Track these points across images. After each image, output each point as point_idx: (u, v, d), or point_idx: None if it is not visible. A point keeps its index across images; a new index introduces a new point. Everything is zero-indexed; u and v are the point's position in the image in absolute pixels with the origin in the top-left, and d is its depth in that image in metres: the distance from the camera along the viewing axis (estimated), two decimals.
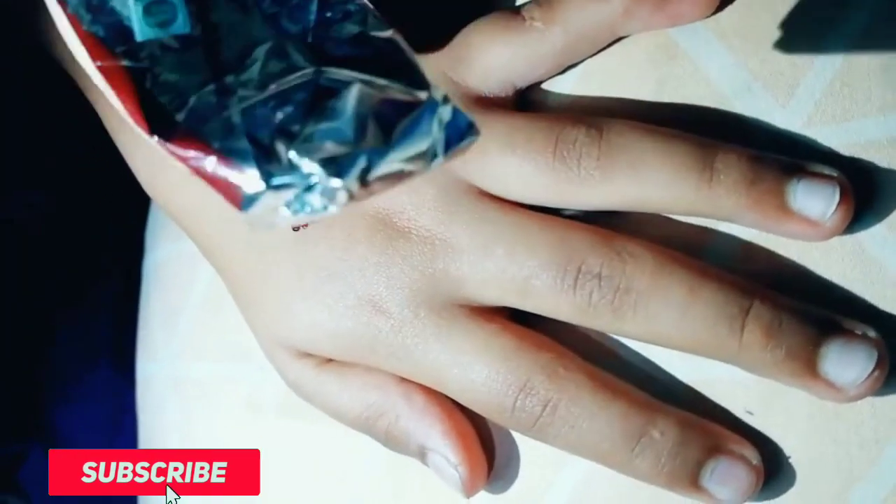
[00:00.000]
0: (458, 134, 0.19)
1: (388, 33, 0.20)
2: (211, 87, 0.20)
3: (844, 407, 0.26)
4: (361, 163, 0.18)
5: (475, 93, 0.29)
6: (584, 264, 0.27)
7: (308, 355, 0.31)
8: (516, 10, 0.29)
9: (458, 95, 0.29)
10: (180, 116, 0.20)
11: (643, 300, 0.26)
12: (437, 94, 0.19)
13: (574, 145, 0.27)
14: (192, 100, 0.20)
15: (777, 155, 0.26)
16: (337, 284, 0.29)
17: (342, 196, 0.18)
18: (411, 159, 0.19)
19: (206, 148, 0.19)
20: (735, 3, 0.28)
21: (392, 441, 0.30)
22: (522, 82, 0.30)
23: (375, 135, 0.19)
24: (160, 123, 0.20)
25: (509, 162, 0.28)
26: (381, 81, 0.19)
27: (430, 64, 0.29)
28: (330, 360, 0.31)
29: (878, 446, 0.26)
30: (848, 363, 0.25)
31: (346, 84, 0.19)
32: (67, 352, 0.50)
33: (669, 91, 0.28)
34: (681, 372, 0.28)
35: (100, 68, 0.20)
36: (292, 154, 0.18)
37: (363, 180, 0.18)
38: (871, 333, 0.25)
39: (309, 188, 0.18)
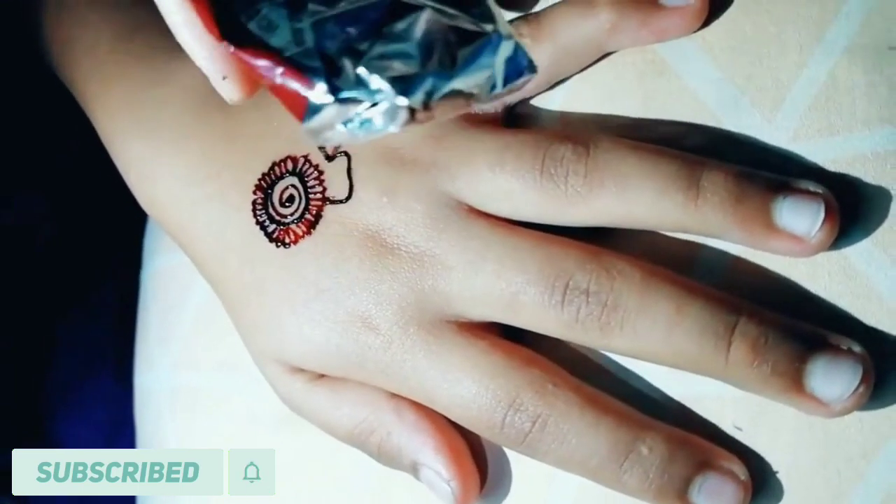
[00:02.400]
0: (518, 70, 0.20)
1: None
2: None
3: (831, 422, 0.26)
4: (427, 85, 0.19)
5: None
6: (571, 280, 0.27)
7: (300, 370, 0.31)
8: None
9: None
10: (252, 25, 0.20)
11: (630, 316, 0.26)
12: (503, 29, 0.20)
13: (561, 162, 0.27)
14: (264, 9, 0.20)
15: (763, 171, 0.27)
16: (327, 301, 0.29)
17: (404, 115, 0.19)
18: (471, 86, 0.19)
19: (275, 58, 0.19)
20: (721, 19, 0.28)
21: (384, 457, 0.30)
22: (511, 98, 0.30)
23: (440, 60, 0.19)
24: (231, 30, 0.20)
25: (498, 179, 0.28)
26: (451, 10, 0.20)
27: None
28: (322, 376, 0.31)
29: (864, 460, 0.26)
30: (833, 379, 0.25)
31: (417, 9, 0.20)
32: (68, 360, 0.50)
33: (656, 107, 0.29)
34: (669, 388, 0.28)
35: None
36: (361, 70, 0.19)
37: (426, 102, 0.19)
38: (857, 348, 0.25)
39: (371, 106, 0.19)
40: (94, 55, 0.36)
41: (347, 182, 0.29)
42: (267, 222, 0.30)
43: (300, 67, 0.19)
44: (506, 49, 0.20)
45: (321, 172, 0.30)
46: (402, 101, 0.19)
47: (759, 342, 0.25)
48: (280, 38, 0.20)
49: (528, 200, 0.28)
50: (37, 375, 0.50)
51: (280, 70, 0.19)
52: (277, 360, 0.31)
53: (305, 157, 0.30)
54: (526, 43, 0.29)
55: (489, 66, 0.19)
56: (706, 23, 0.28)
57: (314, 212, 0.30)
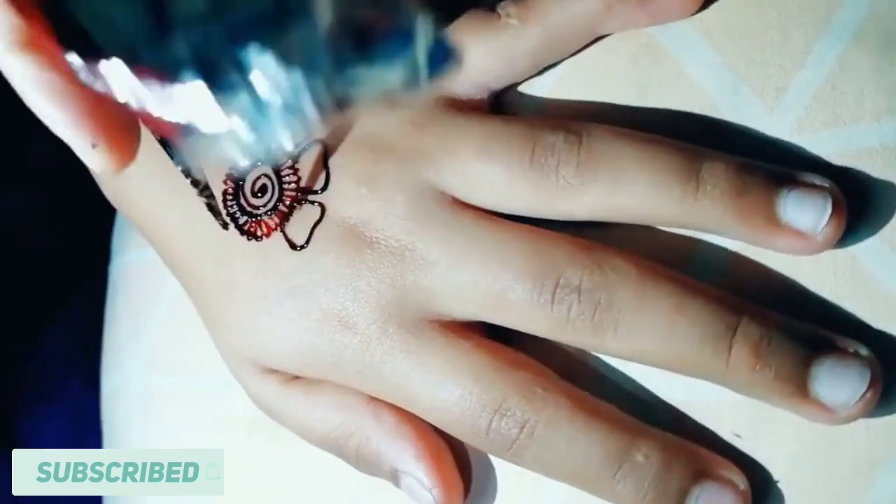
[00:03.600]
0: (440, 61, 0.18)
1: None
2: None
3: (836, 429, 0.25)
4: (336, 89, 0.17)
5: (449, 95, 0.28)
6: (562, 277, 0.26)
7: (274, 371, 0.30)
8: (492, 8, 0.28)
9: (431, 98, 0.28)
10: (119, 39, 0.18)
11: (626, 316, 0.25)
12: (419, 21, 0.18)
13: (552, 152, 0.26)
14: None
15: (765, 163, 0.26)
16: (301, 298, 0.28)
17: (312, 113, 0.17)
18: (390, 82, 0.18)
19: (148, 71, 0.18)
20: (721, 1, 0.27)
21: (363, 463, 0.29)
22: (498, 83, 0.29)
23: (349, 57, 0.17)
24: (74, 45, 0.18)
25: (485, 169, 0.27)
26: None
27: None
28: (297, 377, 0.29)
29: (872, 471, 0.25)
30: (840, 383, 0.24)
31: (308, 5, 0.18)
32: (38, 365, 0.50)
33: (652, 94, 0.28)
34: (665, 392, 0.27)
35: None
36: (258, 83, 0.17)
37: (342, 102, 0.17)
38: (864, 351, 0.24)
39: (269, 121, 0.17)
40: None
41: (323, 171, 0.28)
42: (238, 214, 0.29)
43: (175, 76, 0.17)
44: (425, 41, 0.18)
45: (296, 161, 0.28)
46: (311, 112, 0.17)
47: (761, 344, 0.24)
48: (154, 53, 0.18)
49: (516, 192, 0.26)
50: (8, 378, 0.49)
51: (153, 83, 0.18)
52: (250, 360, 0.30)
53: None
54: (513, 25, 0.27)
55: (407, 59, 0.18)
56: (705, 4, 0.27)
57: (288, 203, 0.28)
